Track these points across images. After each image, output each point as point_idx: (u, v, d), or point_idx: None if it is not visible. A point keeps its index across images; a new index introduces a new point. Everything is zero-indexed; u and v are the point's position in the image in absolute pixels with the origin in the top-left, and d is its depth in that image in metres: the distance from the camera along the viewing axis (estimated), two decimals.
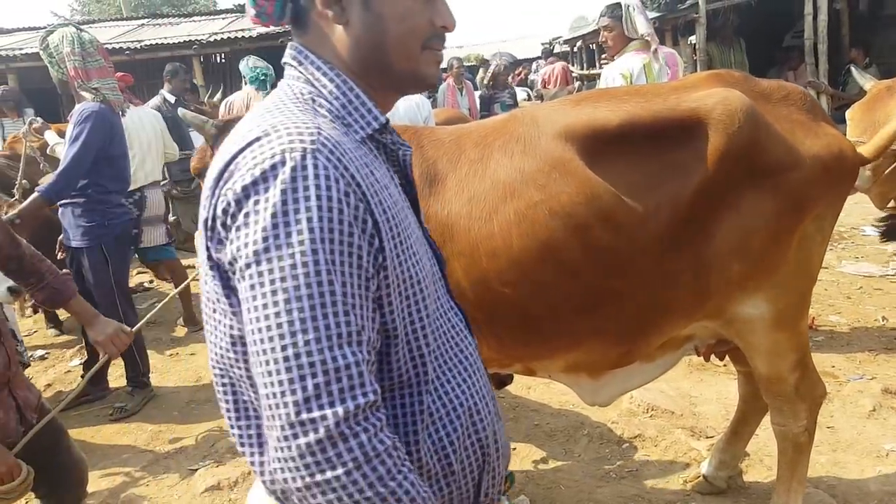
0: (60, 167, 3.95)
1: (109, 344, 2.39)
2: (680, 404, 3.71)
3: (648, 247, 2.06)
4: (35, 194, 3.92)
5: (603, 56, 6.41)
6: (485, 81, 9.25)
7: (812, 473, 2.80)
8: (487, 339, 2.18)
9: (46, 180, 4.93)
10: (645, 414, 3.62)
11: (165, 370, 4.92)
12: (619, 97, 2.18)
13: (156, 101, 7.18)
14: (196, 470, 3.50)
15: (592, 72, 11.10)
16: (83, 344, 5.31)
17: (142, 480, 3.50)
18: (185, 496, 3.30)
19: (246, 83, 6.12)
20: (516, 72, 11.86)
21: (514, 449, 3.44)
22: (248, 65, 6.04)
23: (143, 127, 5.14)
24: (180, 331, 5.72)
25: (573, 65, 15.19)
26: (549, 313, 2.14)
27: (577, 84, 10.98)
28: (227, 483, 3.31)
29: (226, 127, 2.66)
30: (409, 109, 4.44)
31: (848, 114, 3.99)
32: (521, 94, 10.21)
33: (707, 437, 3.38)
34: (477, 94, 9.28)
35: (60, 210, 4.14)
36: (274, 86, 6.12)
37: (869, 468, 3.06)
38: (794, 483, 2.47)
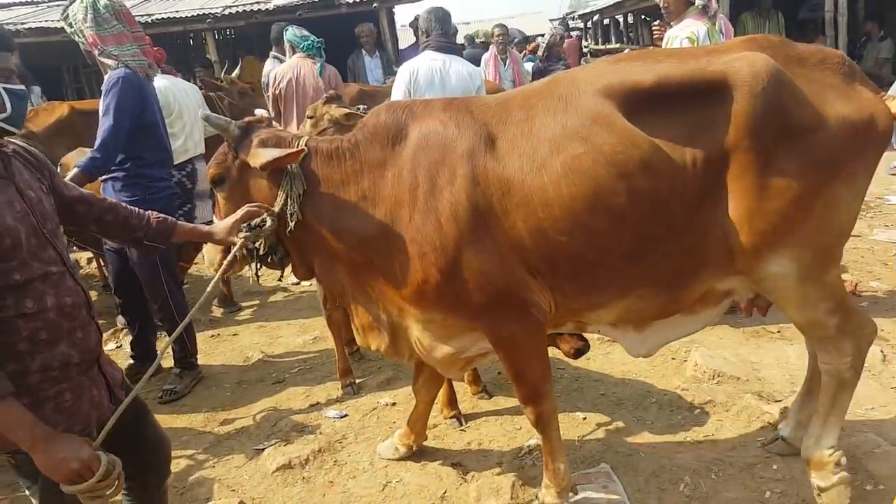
0: (98, 140, 3.76)
1: (233, 237, 2.44)
2: (744, 370, 3.71)
3: (684, 196, 2.23)
4: (74, 170, 3.73)
5: (656, 22, 6.30)
6: (538, 54, 8.95)
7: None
8: (553, 293, 2.41)
9: (72, 158, 4.82)
10: (711, 381, 3.60)
11: (210, 351, 4.86)
12: (656, 58, 2.36)
13: None
14: (263, 450, 3.45)
15: (609, 46, 10.98)
16: (117, 327, 5.28)
17: (206, 463, 3.45)
18: (256, 476, 3.26)
19: (291, 52, 5.93)
20: (528, 46, 11.69)
21: (584, 418, 3.42)
22: (297, 33, 5.87)
23: (188, 95, 4.96)
24: (217, 311, 5.67)
25: (586, 40, 14.97)
26: (602, 259, 2.32)
27: (589, 59, 10.80)
28: (299, 461, 3.27)
29: (249, 129, 2.58)
30: (461, 79, 4.36)
31: None
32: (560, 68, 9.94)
33: (776, 401, 3.38)
34: (529, 66, 9.05)
35: (101, 185, 4.01)
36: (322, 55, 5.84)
37: None
38: (832, 417, 2.54)
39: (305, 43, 5.80)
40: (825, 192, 2.24)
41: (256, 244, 2.49)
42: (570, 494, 2.75)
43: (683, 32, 4.35)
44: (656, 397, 3.55)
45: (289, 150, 2.43)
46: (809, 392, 2.87)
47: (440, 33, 4.51)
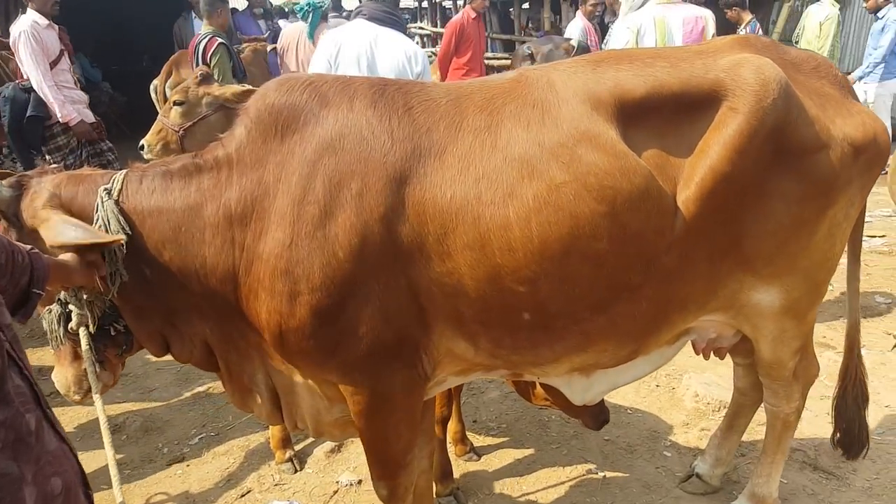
0: None
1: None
2: None
3: (672, 234, 1.85)
4: None
5: None
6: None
7: None
8: (479, 342, 1.93)
9: None
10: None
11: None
12: (642, 60, 1.94)
13: None
14: None
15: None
16: None
17: None
18: None
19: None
20: None
21: (604, 477, 2.91)
22: None
23: None
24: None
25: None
26: (565, 313, 1.88)
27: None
28: None
29: (24, 184, 1.98)
30: (396, 63, 3.45)
31: None
32: None
33: None
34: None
35: None
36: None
37: None
38: (778, 455, 2.51)
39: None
40: (824, 220, 2.01)
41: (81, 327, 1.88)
42: None
43: (623, 24, 3.97)
44: (667, 438, 3.15)
45: (103, 237, 1.78)
46: (730, 428, 2.73)
47: None
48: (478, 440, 3.18)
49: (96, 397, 1.95)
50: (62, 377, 2.03)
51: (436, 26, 15.06)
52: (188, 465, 3.16)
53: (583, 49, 5.61)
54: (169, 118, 3.77)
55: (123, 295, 1.87)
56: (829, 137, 1.93)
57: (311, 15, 5.15)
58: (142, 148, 3.77)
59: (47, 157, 4.93)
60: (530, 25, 12.79)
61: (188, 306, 1.95)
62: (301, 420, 2.16)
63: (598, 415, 2.56)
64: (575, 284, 1.83)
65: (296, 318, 1.80)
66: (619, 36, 3.89)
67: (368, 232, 1.75)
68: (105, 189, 1.88)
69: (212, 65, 5.15)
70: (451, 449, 3.02)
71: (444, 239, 1.77)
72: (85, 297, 1.88)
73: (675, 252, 1.86)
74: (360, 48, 3.49)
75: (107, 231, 1.81)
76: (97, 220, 1.84)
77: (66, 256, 1.78)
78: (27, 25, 4.77)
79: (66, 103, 4.87)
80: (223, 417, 3.54)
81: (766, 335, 2.18)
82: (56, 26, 4.98)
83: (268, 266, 1.80)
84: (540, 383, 2.41)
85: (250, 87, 3.51)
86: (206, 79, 3.84)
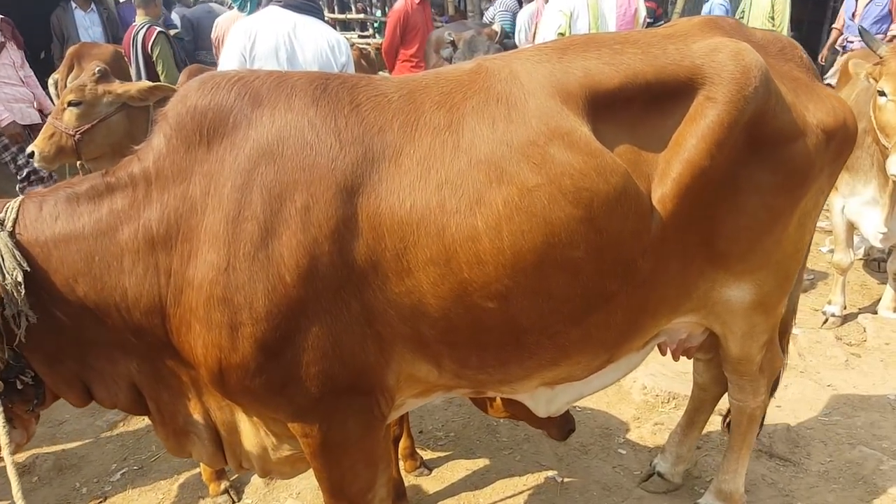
0: None
1: None
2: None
3: (648, 236, 1.73)
4: None
5: None
6: None
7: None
8: (443, 364, 1.76)
9: None
10: (667, 404, 3.25)
11: None
12: (609, 46, 1.79)
13: None
14: None
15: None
16: None
17: None
18: None
19: None
20: None
21: (561, 481, 2.81)
22: None
23: None
24: None
25: None
26: (538, 327, 1.73)
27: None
28: None
29: None
30: (318, 54, 3.19)
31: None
32: None
33: None
34: None
35: None
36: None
37: None
38: (744, 450, 2.48)
39: None
40: (797, 210, 1.95)
41: None
42: None
43: (554, 6, 3.84)
44: (620, 435, 3.08)
45: None
46: (691, 425, 2.67)
47: None
48: (426, 453, 3.01)
49: (5, 454, 1.71)
50: None
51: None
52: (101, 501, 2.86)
53: (506, 34, 5.46)
54: (62, 120, 3.37)
55: (31, 341, 1.61)
56: (805, 125, 1.86)
57: (248, 3, 4.78)
58: (31, 155, 3.37)
59: None
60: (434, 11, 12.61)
61: (109, 343, 1.71)
62: (246, 459, 1.95)
63: (563, 425, 2.44)
64: (549, 297, 1.68)
65: (238, 354, 1.59)
66: (552, 20, 3.77)
67: (318, 251, 1.55)
68: None
69: (154, 55, 4.80)
70: (401, 465, 2.84)
71: (404, 255, 1.58)
72: None
73: (651, 254, 1.75)
74: (277, 38, 3.22)
75: (0, 269, 1.56)
76: None
77: None
78: None
79: None
80: (145, 448, 3.23)
81: (736, 332, 2.11)
82: None
83: (201, 294, 1.58)
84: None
85: (160, 83, 3.17)
86: (104, 75, 3.47)
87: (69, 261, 1.63)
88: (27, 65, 5.41)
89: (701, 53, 1.76)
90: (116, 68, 4.55)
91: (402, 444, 2.81)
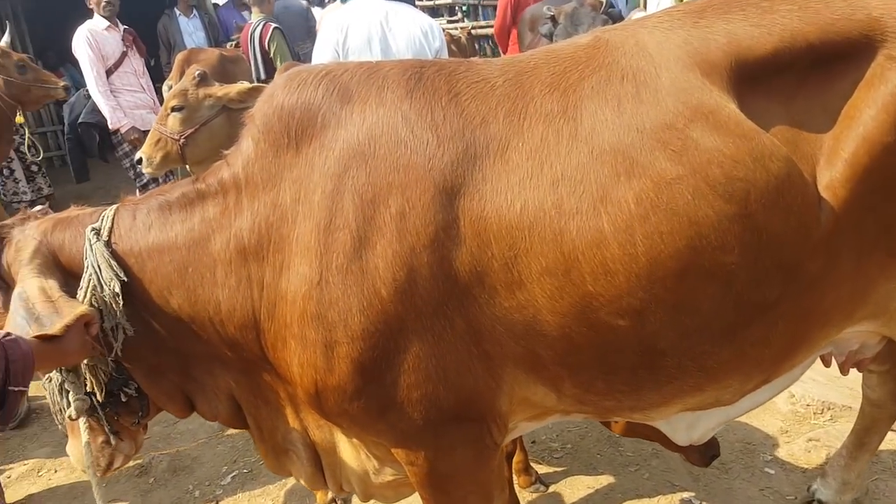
0: None
1: None
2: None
3: (816, 234, 1.45)
4: None
5: None
6: None
7: None
8: (563, 388, 1.55)
9: None
10: (821, 415, 2.84)
11: None
12: (756, 4, 1.51)
13: None
14: None
15: None
16: None
17: None
18: None
19: None
20: None
21: (687, 494, 2.49)
22: None
23: None
24: None
25: None
26: (680, 348, 1.49)
27: None
28: None
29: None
30: (412, 42, 3.06)
31: None
32: None
33: None
34: None
35: None
36: None
37: None
38: None
39: None
40: None
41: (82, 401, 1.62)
42: None
43: None
44: (766, 452, 2.72)
45: (64, 320, 1.45)
46: (860, 446, 2.33)
47: None
48: (542, 467, 2.79)
49: (91, 476, 1.70)
50: (77, 451, 1.80)
51: None
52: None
53: (611, 3, 5.06)
54: (166, 126, 3.40)
55: (130, 353, 1.62)
56: None
57: None
58: (139, 162, 3.43)
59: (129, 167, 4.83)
60: None
61: (207, 356, 1.68)
62: (346, 482, 1.88)
63: (706, 451, 2.13)
64: (694, 311, 1.44)
65: (335, 375, 1.50)
66: None
67: (416, 262, 1.41)
68: (93, 229, 1.59)
69: (271, 51, 4.91)
70: (515, 480, 2.62)
71: (514, 264, 1.40)
72: (85, 361, 1.62)
73: (819, 253, 1.47)
74: (370, 29, 3.10)
75: (98, 280, 1.55)
76: (87, 267, 1.58)
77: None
78: (84, 30, 4.77)
79: (118, 109, 4.73)
80: (254, 450, 3.22)
81: None
82: (120, 28, 4.88)
83: (295, 308, 1.49)
84: None
85: (257, 84, 3.12)
86: (203, 79, 3.46)
87: (163, 272, 1.59)
88: (147, 73, 5.67)
89: (879, 3, 1.46)
90: (222, 72, 4.64)
91: (516, 457, 2.61)
